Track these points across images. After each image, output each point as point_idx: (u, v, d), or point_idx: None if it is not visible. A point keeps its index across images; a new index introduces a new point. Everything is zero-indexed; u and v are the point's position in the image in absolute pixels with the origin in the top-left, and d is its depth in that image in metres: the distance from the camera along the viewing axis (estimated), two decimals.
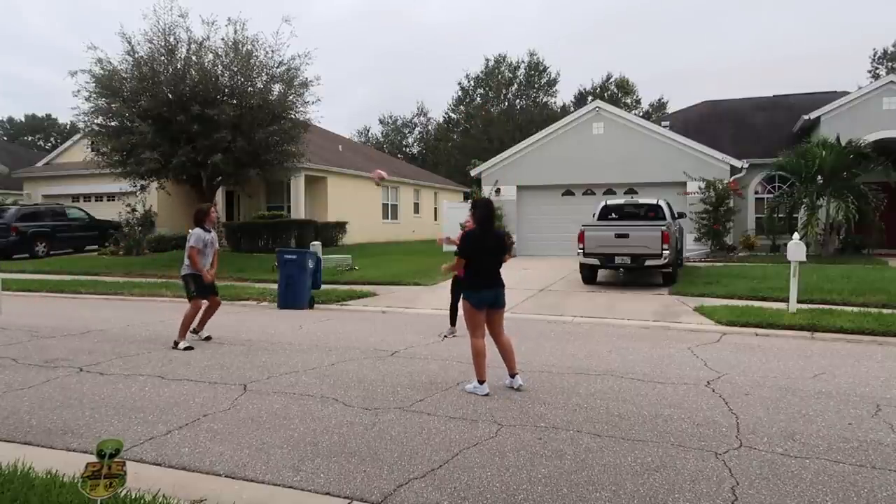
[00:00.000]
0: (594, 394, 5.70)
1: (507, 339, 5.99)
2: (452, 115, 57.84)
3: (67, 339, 8.35)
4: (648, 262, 12.34)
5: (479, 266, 5.82)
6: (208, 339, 8.23)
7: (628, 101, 55.50)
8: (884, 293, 10.56)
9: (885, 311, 9.33)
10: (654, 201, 14.47)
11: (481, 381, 5.73)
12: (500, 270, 5.93)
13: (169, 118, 16.57)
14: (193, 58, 17.50)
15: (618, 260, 12.60)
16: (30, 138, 64.03)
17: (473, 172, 22.59)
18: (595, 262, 12.92)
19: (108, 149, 17.63)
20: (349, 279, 14.39)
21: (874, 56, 50.84)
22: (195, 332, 8.23)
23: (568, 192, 21.04)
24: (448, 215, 23.77)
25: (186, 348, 7.64)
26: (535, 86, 56.36)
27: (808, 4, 79.13)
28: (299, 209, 24.59)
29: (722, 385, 5.94)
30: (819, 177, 17.79)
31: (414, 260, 19.13)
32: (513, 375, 5.91)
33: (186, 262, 8.09)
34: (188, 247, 8.08)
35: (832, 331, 8.32)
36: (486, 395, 5.61)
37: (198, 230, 8.15)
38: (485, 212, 5.89)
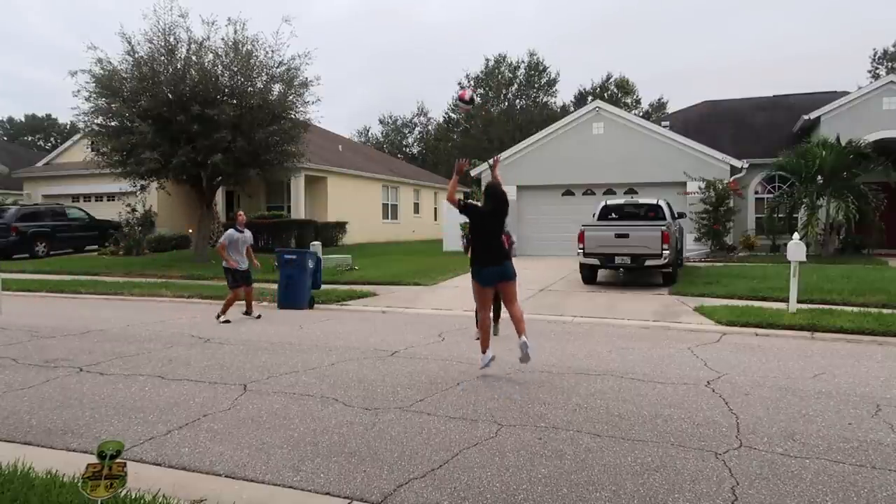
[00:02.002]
0: (594, 394, 5.70)
1: (520, 309, 6.37)
2: (452, 115, 57.86)
3: (67, 339, 8.35)
4: (648, 262, 12.34)
5: (482, 244, 6.29)
6: (258, 317, 10.17)
7: (628, 101, 55.54)
8: (884, 293, 10.56)
9: (885, 311, 9.33)
10: (654, 201, 14.46)
11: (485, 350, 6.40)
12: (502, 245, 6.40)
13: (169, 118, 16.56)
14: (193, 58, 17.48)
15: (618, 260, 12.60)
16: (30, 138, 64.01)
17: (473, 172, 22.59)
18: (595, 262, 12.92)
19: (108, 149, 17.61)
20: (349, 279, 14.39)
21: (874, 56, 50.91)
22: (247, 313, 10.22)
23: (568, 192, 21.04)
24: (448, 215, 23.77)
25: (224, 321, 9.64)
26: (535, 86, 56.39)
27: (808, 4, 79.22)
28: (299, 209, 24.60)
29: (722, 385, 5.94)
30: (819, 177, 17.79)
31: (414, 260, 19.13)
32: (520, 335, 6.20)
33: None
34: (219, 243, 10.28)
35: (832, 331, 8.32)
36: (493, 358, 6.35)
37: (230, 230, 10.20)
38: (489, 191, 6.45)
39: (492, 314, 8.32)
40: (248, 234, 10.34)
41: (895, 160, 18.72)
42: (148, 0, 48.43)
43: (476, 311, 6.65)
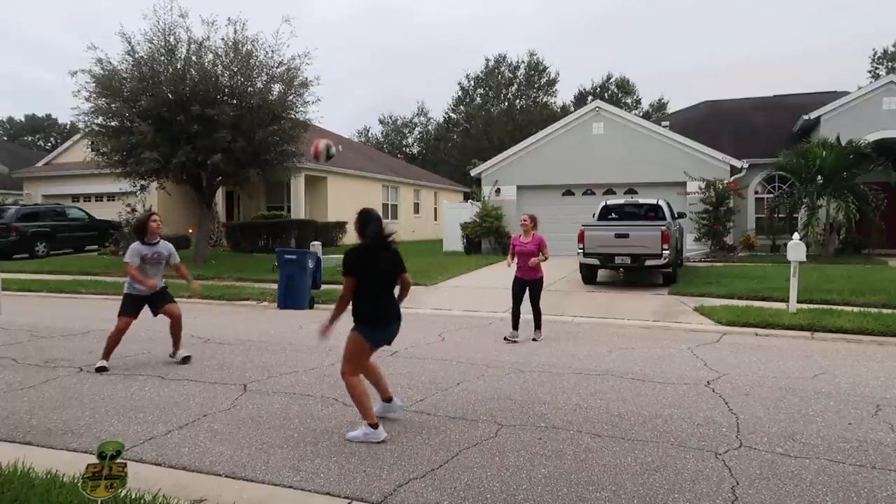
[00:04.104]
0: (594, 394, 5.70)
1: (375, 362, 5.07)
2: (452, 115, 57.86)
3: (67, 339, 8.35)
4: (648, 262, 12.34)
5: (375, 292, 4.71)
6: (185, 359, 7.09)
7: (628, 101, 55.56)
8: (884, 293, 10.56)
9: (885, 311, 9.33)
10: (654, 201, 14.47)
11: (375, 425, 4.55)
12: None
13: (169, 118, 16.54)
14: (193, 58, 17.47)
15: (618, 260, 12.60)
16: (30, 138, 64.00)
17: (473, 172, 22.60)
18: (595, 262, 12.92)
19: (108, 149, 17.59)
20: None
21: (874, 56, 50.91)
22: (171, 355, 7.20)
23: (568, 192, 21.04)
24: (448, 215, 23.78)
25: (100, 368, 6.72)
26: (535, 86, 56.36)
27: (809, 4, 79.22)
28: (299, 209, 24.59)
29: (722, 385, 5.94)
30: (819, 177, 17.79)
31: (413, 260, 19.05)
32: (390, 397, 4.99)
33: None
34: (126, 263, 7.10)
35: (832, 331, 8.32)
36: (384, 440, 4.50)
37: (134, 244, 7.13)
38: (377, 224, 4.72)
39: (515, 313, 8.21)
40: (163, 246, 7.21)
41: (895, 160, 18.73)
42: (148, 0, 48.42)
43: (349, 368, 4.71)
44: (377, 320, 4.70)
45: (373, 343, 4.76)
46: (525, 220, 8.38)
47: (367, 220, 4.73)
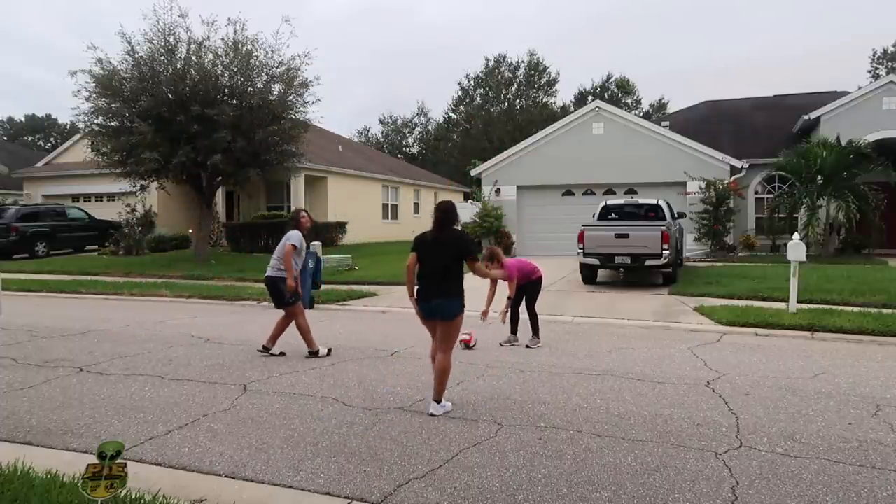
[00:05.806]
0: (594, 394, 5.70)
1: (442, 362, 5.26)
2: (452, 115, 57.84)
3: (67, 339, 8.34)
4: (648, 262, 12.34)
5: (423, 271, 5.39)
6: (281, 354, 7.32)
7: (629, 101, 55.55)
8: (884, 293, 10.56)
9: (885, 311, 9.33)
10: (654, 201, 14.47)
11: (437, 400, 5.23)
12: (455, 278, 5.36)
13: (169, 118, 16.55)
14: (193, 58, 17.48)
15: (618, 260, 12.60)
16: (30, 138, 63.99)
17: (473, 172, 22.60)
18: (595, 261, 12.92)
19: (108, 149, 17.61)
20: (349, 279, 14.39)
21: (874, 56, 50.92)
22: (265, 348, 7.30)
23: (568, 192, 21.04)
24: None
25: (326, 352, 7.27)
26: (535, 86, 56.36)
27: (809, 4, 79.21)
28: None
29: (722, 385, 5.94)
30: (819, 177, 17.79)
31: None
32: (436, 401, 5.25)
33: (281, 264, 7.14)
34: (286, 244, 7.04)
35: (832, 331, 8.32)
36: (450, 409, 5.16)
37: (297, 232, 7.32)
38: (439, 215, 5.41)
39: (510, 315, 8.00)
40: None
41: (895, 160, 18.73)
42: (148, 0, 48.40)
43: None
44: (420, 295, 5.41)
45: (420, 315, 5.45)
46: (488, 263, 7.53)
47: (438, 210, 5.50)
